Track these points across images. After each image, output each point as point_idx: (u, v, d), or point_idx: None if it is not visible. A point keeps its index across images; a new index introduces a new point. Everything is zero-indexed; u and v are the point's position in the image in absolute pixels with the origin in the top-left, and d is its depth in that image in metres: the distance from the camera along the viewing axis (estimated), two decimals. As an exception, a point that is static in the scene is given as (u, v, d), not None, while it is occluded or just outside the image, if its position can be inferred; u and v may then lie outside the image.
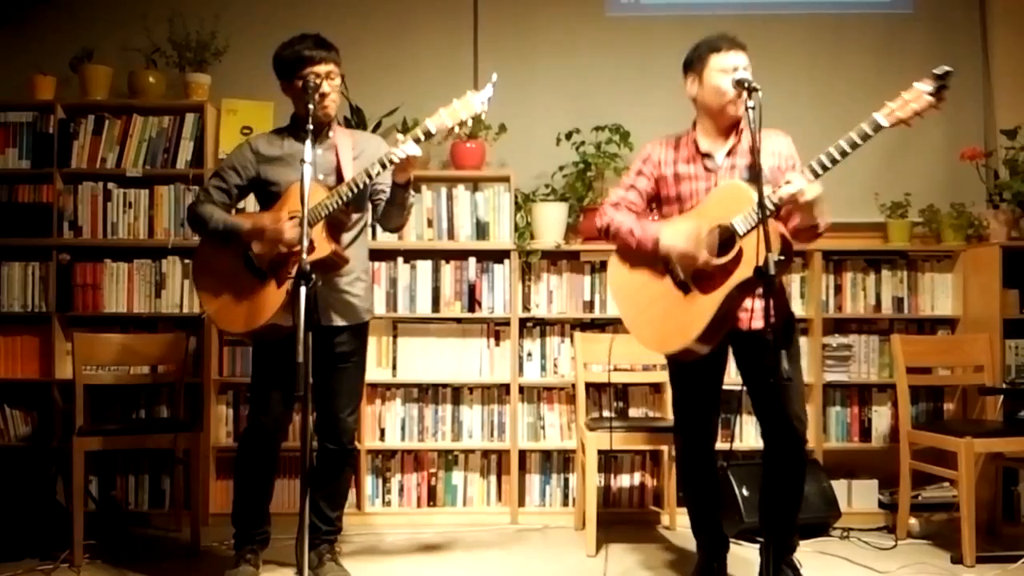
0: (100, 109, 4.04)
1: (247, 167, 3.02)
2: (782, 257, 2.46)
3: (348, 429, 3.11)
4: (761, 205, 2.37)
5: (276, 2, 4.33)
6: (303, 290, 2.43)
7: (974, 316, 4.00)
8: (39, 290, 3.98)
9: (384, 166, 2.79)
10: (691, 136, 2.85)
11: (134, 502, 3.99)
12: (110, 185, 4.02)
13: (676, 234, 2.71)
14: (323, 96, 2.92)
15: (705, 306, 2.68)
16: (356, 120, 4.12)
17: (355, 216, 3.02)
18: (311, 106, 2.77)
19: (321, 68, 2.91)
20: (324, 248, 2.81)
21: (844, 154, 2.52)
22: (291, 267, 2.83)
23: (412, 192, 2.99)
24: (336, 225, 2.90)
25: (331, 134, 3.03)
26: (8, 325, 3.98)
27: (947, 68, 2.39)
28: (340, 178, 2.94)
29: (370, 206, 3.13)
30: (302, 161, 2.56)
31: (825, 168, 2.54)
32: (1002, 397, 3.74)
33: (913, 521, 3.69)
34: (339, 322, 3.01)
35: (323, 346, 2.97)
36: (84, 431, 3.47)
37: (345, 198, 2.82)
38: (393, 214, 3.01)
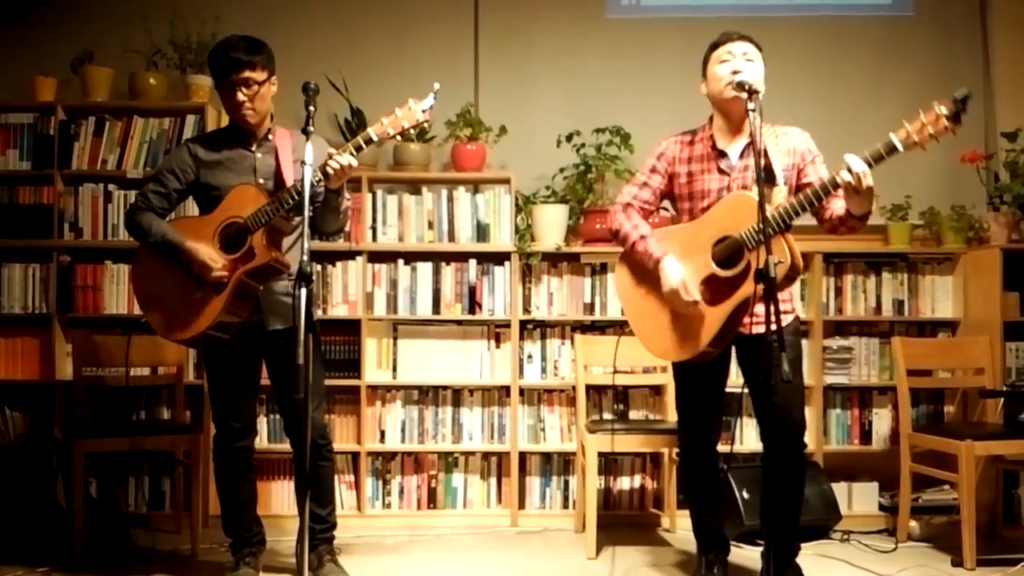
0: (101, 110, 4.04)
1: (187, 171, 2.99)
2: (782, 260, 2.46)
3: (318, 425, 3.08)
4: (761, 207, 2.36)
5: (276, 4, 4.33)
6: (303, 292, 2.42)
7: (974, 318, 4.00)
8: (39, 291, 3.98)
9: (326, 175, 2.77)
10: (707, 133, 2.84)
11: (134, 504, 3.99)
12: (111, 186, 4.02)
13: (676, 269, 2.72)
14: (237, 105, 2.89)
15: (711, 318, 2.68)
16: (357, 122, 4.12)
17: (296, 221, 2.99)
18: (312, 107, 2.75)
19: (236, 75, 2.87)
20: (264, 255, 2.82)
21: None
22: (231, 274, 2.84)
23: (347, 195, 2.98)
24: (276, 232, 2.89)
25: (271, 136, 3.00)
26: (8, 326, 3.98)
27: (967, 92, 2.36)
28: (279, 182, 2.92)
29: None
30: (302, 163, 2.56)
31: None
32: (1002, 400, 3.73)
33: (913, 524, 3.69)
34: (279, 325, 2.99)
35: (274, 349, 2.99)
36: (84, 433, 3.47)
37: (286, 205, 2.80)
38: (329, 218, 2.98)
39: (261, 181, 2.94)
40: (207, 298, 2.88)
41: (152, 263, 2.98)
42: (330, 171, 2.76)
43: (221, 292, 2.86)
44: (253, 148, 3.00)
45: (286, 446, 3.92)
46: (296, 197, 2.79)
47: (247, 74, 2.88)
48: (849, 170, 2.46)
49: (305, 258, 2.44)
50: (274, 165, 2.96)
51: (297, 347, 2.37)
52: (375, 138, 2.80)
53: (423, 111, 2.78)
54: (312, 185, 2.76)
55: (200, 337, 2.92)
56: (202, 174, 2.98)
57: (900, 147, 2.43)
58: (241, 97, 2.89)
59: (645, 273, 2.83)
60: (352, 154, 2.78)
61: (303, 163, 2.55)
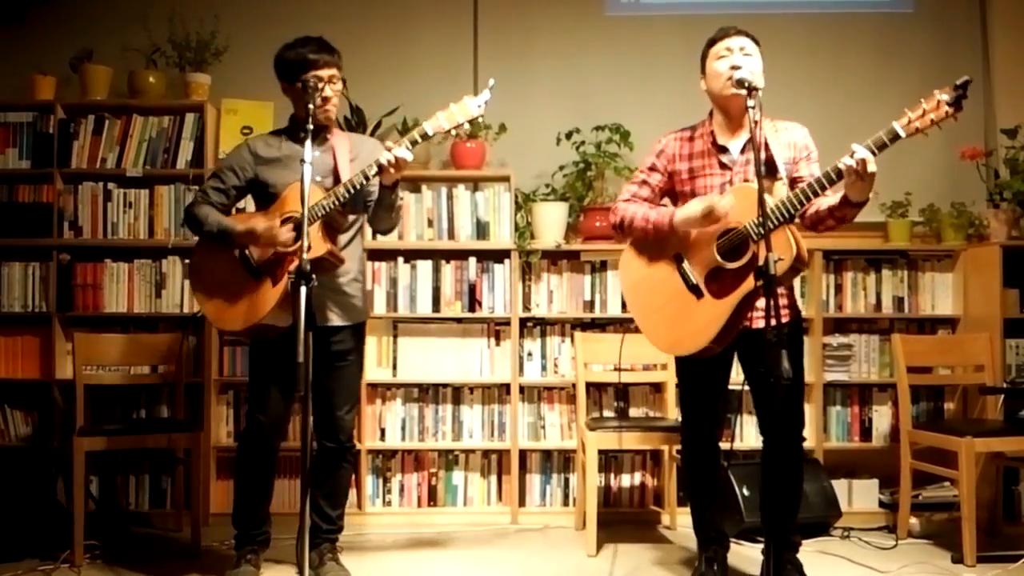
0: (100, 109, 4.04)
1: (245, 168, 3.05)
2: (782, 257, 2.46)
3: (346, 427, 3.12)
4: (761, 203, 2.36)
5: (276, 2, 4.33)
6: (303, 290, 2.43)
7: (974, 315, 4.00)
8: (39, 290, 3.98)
9: (381, 168, 2.81)
10: (707, 128, 2.85)
11: (135, 502, 3.99)
12: (110, 185, 4.02)
13: (690, 206, 2.73)
14: (325, 99, 2.95)
15: (718, 311, 2.68)
16: (356, 120, 4.12)
17: (351, 218, 3.05)
18: (311, 107, 2.77)
19: (324, 72, 2.94)
20: (320, 248, 2.83)
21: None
22: (286, 266, 2.87)
23: (400, 194, 3.02)
24: (332, 226, 2.92)
25: (329, 136, 3.04)
26: (8, 325, 3.98)
27: (967, 78, 2.38)
28: (337, 180, 2.96)
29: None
30: (302, 161, 2.56)
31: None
32: (1002, 396, 3.74)
33: (914, 521, 3.69)
34: (336, 322, 3.03)
35: (320, 345, 2.98)
36: (84, 431, 3.47)
37: (342, 199, 2.84)
38: (382, 216, 3.04)
39: (318, 179, 2.95)
40: (262, 291, 2.91)
41: (209, 255, 3.03)
42: (385, 162, 2.79)
43: (277, 284, 2.89)
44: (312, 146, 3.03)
45: (290, 443, 3.93)
46: (353, 190, 2.84)
47: (335, 71, 2.97)
48: (853, 156, 2.47)
49: (305, 257, 2.45)
50: (332, 163, 3.00)
51: (297, 345, 2.38)
52: (431, 133, 2.85)
53: (478, 106, 2.82)
54: (367, 180, 2.83)
55: (254, 328, 2.94)
56: (260, 171, 3.03)
57: (902, 133, 2.43)
58: (329, 92, 2.95)
59: (651, 264, 2.83)
60: (408, 148, 2.81)
61: (302, 161, 2.56)
